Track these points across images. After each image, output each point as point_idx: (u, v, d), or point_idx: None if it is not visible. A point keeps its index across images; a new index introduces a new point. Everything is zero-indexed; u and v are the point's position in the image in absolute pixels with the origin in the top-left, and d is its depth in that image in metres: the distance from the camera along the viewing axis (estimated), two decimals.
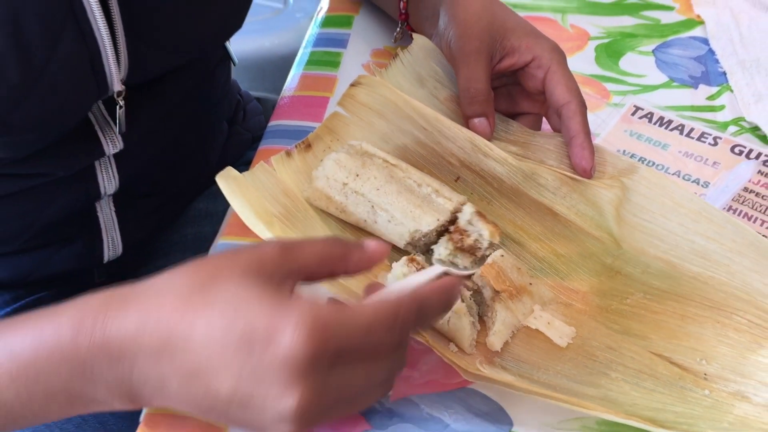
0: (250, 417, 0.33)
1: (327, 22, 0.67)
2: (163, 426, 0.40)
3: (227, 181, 0.46)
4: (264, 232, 0.43)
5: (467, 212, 0.45)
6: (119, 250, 0.61)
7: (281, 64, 1.15)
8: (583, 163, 0.47)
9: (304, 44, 0.66)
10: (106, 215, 0.59)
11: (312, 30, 0.67)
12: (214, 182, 0.48)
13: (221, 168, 0.52)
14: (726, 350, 0.40)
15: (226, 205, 0.48)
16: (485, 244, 0.43)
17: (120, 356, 0.33)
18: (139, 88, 0.50)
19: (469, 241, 0.44)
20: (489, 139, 0.50)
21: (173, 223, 0.67)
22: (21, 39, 0.41)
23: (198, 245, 0.65)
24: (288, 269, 0.34)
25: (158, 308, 0.33)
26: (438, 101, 0.53)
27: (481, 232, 0.44)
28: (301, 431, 0.33)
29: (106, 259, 0.60)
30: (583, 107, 0.49)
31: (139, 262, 0.65)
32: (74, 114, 0.48)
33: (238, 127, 0.73)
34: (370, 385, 0.35)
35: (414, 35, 0.56)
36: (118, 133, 0.51)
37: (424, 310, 0.34)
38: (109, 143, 0.51)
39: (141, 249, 0.64)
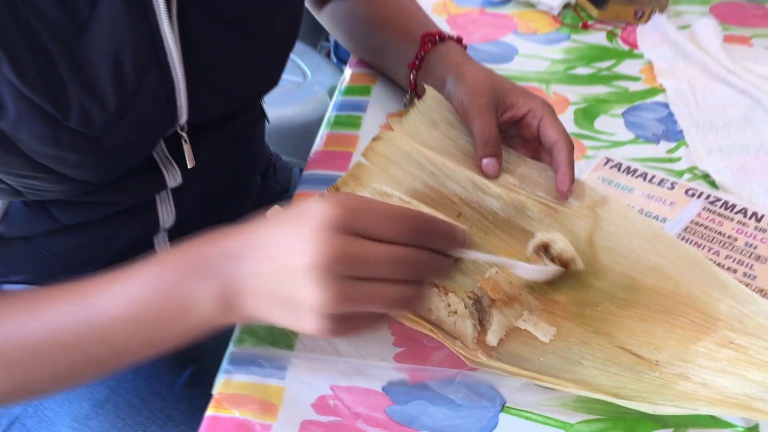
0: (289, 312, 0.42)
1: (349, 91, 0.80)
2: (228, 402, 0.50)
3: (275, 209, 0.57)
4: None
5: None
6: None
7: (301, 130, 1.29)
8: (563, 187, 0.58)
9: (330, 109, 0.78)
10: (162, 249, 0.70)
11: (336, 97, 0.80)
12: None
13: (255, 213, 0.64)
14: (673, 343, 0.51)
15: None
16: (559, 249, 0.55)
17: (234, 255, 0.44)
18: (197, 129, 0.61)
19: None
20: (497, 175, 0.61)
21: None
22: (118, 75, 0.51)
23: None
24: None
25: (257, 224, 0.44)
26: (449, 139, 0.65)
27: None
28: (326, 329, 0.41)
29: None
30: (570, 145, 0.60)
31: None
32: (152, 140, 0.58)
33: (269, 180, 0.85)
34: (392, 277, 0.41)
35: (426, 87, 0.68)
36: (181, 167, 0.61)
37: (434, 229, 0.43)
38: (170, 177, 0.62)
39: None
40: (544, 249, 0.55)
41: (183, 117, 0.57)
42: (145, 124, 0.55)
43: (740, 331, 0.49)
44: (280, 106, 1.27)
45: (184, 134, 0.59)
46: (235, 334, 0.55)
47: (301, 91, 1.32)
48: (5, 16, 0.44)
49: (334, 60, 1.55)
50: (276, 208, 0.57)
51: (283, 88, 1.37)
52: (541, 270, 0.54)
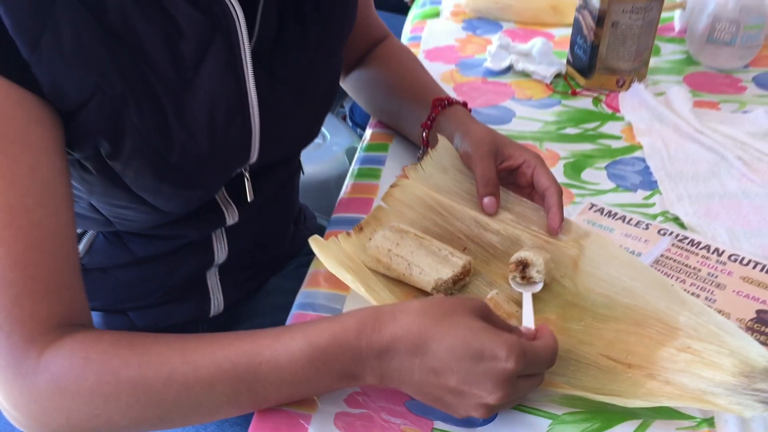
0: (457, 401, 0.54)
1: (369, 147, 0.92)
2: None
3: (317, 242, 0.68)
4: (341, 274, 0.66)
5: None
6: (221, 309, 0.83)
7: (321, 186, 1.42)
8: (554, 225, 0.70)
9: (354, 162, 0.91)
10: (213, 282, 0.82)
11: (359, 153, 0.92)
12: (284, 265, 0.69)
13: (291, 254, 0.75)
14: (642, 349, 0.61)
15: (293, 282, 0.69)
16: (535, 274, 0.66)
17: (385, 353, 0.53)
18: (254, 174, 0.73)
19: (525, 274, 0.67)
20: (496, 212, 0.73)
21: (256, 293, 0.89)
22: (212, 121, 0.63)
23: (273, 312, 0.87)
24: (491, 316, 0.57)
25: (417, 323, 0.53)
26: (456, 182, 0.76)
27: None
28: (484, 416, 0.54)
29: (211, 315, 0.83)
30: (559, 190, 0.72)
31: (232, 321, 0.87)
32: (227, 176, 0.70)
33: (300, 226, 0.97)
34: (528, 390, 0.56)
35: (439, 137, 0.79)
36: (238, 207, 0.73)
37: (556, 354, 0.57)
38: (229, 215, 0.75)
39: (234, 310, 0.87)
40: (523, 266, 0.66)
41: (254, 158, 0.69)
42: (226, 162, 0.67)
43: (695, 338, 0.60)
44: (303, 163, 1.40)
45: (246, 174, 0.71)
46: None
47: (321, 151, 1.45)
48: (133, 74, 0.57)
49: (350, 123, 1.69)
50: (316, 237, 0.69)
51: (306, 148, 1.52)
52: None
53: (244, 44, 0.63)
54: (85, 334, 0.55)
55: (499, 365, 0.52)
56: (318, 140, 1.49)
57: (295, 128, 0.75)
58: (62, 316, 0.55)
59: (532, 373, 0.55)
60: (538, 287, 0.67)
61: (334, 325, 0.55)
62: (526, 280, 0.67)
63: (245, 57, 0.63)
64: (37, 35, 0.52)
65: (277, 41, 0.68)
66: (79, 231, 0.73)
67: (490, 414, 0.55)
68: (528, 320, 0.63)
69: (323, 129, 1.51)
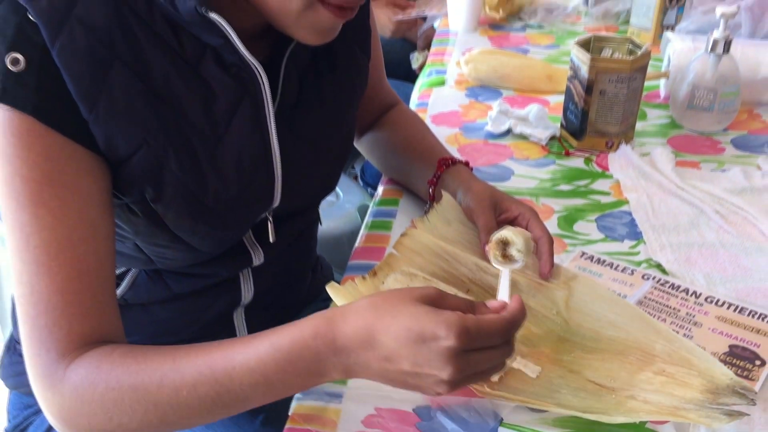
0: (418, 382, 0.59)
1: (382, 202, 1.02)
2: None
3: (333, 288, 0.77)
4: None
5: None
6: None
7: (334, 241, 1.51)
8: (545, 270, 0.79)
9: (368, 215, 1.00)
10: (239, 321, 0.90)
11: (372, 207, 1.02)
12: (302, 310, 0.78)
13: (309, 299, 0.84)
14: (624, 374, 0.69)
15: None
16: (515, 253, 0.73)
17: (341, 350, 0.59)
18: (277, 221, 0.82)
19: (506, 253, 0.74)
20: None
21: None
22: (240, 169, 0.73)
23: None
24: (442, 300, 0.61)
25: (363, 319, 0.59)
26: (459, 233, 0.85)
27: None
28: (448, 392, 0.59)
29: None
30: (550, 240, 0.80)
31: None
32: (253, 219, 0.79)
33: (317, 274, 1.07)
34: (491, 364, 0.60)
35: (443, 193, 0.89)
36: (263, 249, 0.83)
37: (518, 324, 0.62)
38: (255, 256, 0.84)
39: None
40: (504, 244, 0.74)
41: (276, 203, 0.79)
42: (252, 205, 0.77)
43: (669, 363, 0.68)
44: None
45: (270, 217, 0.81)
46: None
47: (335, 209, 1.55)
48: (173, 130, 0.68)
49: (361, 183, 1.80)
50: (333, 283, 0.78)
51: (320, 207, 1.63)
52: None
53: (268, 104, 0.73)
54: (102, 348, 0.64)
55: (441, 344, 0.57)
56: (332, 198, 1.59)
57: (313, 178, 0.84)
58: (93, 335, 0.65)
59: (483, 346, 0.59)
60: (518, 265, 0.73)
61: (294, 329, 0.61)
62: (507, 258, 0.74)
63: (269, 115, 0.74)
64: (95, 99, 0.63)
65: (297, 102, 0.78)
66: (123, 269, 0.83)
67: (455, 389, 0.59)
68: (503, 295, 0.69)
69: (337, 188, 1.62)
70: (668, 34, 1.35)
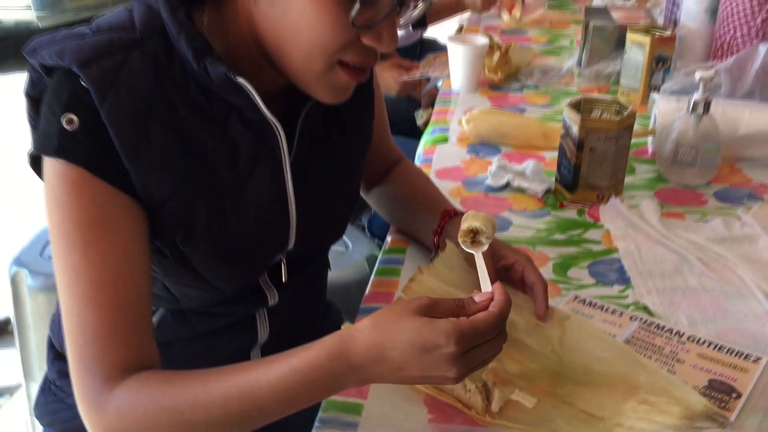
0: (429, 381, 0.68)
1: (390, 251, 1.11)
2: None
3: (347, 327, 0.85)
4: None
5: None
6: None
7: (343, 290, 1.59)
8: (541, 312, 0.87)
9: (377, 263, 1.09)
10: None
11: (381, 256, 1.10)
12: None
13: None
14: (612, 404, 0.77)
15: None
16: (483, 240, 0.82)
17: (356, 368, 0.67)
18: (290, 264, 0.91)
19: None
20: None
21: None
22: (260, 214, 0.82)
23: None
24: (435, 308, 0.68)
25: (370, 338, 0.66)
26: (462, 278, 0.93)
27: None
28: (457, 383, 0.68)
29: None
30: (545, 284, 0.88)
31: None
32: (270, 259, 0.88)
33: (328, 317, 1.15)
34: (490, 354, 0.69)
35: (447, 242, 0.97)
36: (278, 290, 0.91)
37: (506, 314, 0.70)
38: (270, 297, 0.92)
39: None
40: (473, 234, 0.81)
41: (291, 245, 0.88)
42: (269, 247, 0.86)
43: (651, 393, 0.76)
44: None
45: (283, 259, 0.90)
46: (323, 404, 0.82)
47: (344, 259, 1.64)
48: (201, 179, 0.77)
49: (369, 234, 1.89)
50: (347, 324, 0.86)
51: (330, 255, 1.71)
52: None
53: (285, 157, 0.83)
54: (142, 374, 0.72)
55: (444, 351, 0.65)
56: (341, 248, 1.67)
57: (323, 224, 0.94)
58: (133, 362, 0.73)
59: (480, 342, 0.67)
60: (485, 248, 0.81)
61: (310, 353, 0.68)
62: (475, 244, 0.82)
63: (286, 166, 0.84)
64: (136, 152, 0.73)
65: (310, 155, 0.88)
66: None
67: (464, 378, 0.68)
68: (485, 281, 0.76)
69: (345, 238, 1.70)
70: (654, 94, 1.45)
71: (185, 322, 0.92)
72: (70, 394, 0.76)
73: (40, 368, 1.70)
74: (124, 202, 0.74)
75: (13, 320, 1.69)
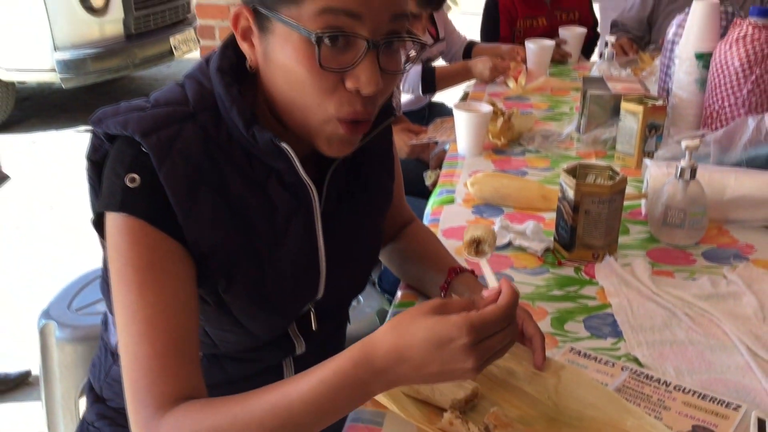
0: (450, 376, 0.73)
1: (400, 304, 1.19)
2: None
3: None
4: (381, 399, 0.91)
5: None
6: None
7: (355, 342, 1.67)
8: (538, 362, 0.95)
9: (389, 315, 1.18)
10: None
11: (392, 309, 1.19)
12: None
13: None
14: None
15: None
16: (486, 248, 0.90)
17: (380, 371, 0.73)
18: (319, 313, 1.01)
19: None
20: None
21: None
22: (294, 267, 0.92)
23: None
24: (447, 306, 0.75)
25: (388, 343, 0.73)
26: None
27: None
28: (476, 374, 0.74)
29: None
30: (542, 337, 0.96)
31: None
32: (300, 308, 0.98)
33: None
34: (503, 344, 0.75)
35: (453, 296, 1.06)
36: (305, 340, 1.01)
37: (514, 305, 0.77)
38: (298, 345, 1.01)
39: None
40: (476, 244, 0.89)
41: (320, 295, 0.98)
42: (301, 296, 0.96)
43: None
44: None
45: (312, 309, 0.99)
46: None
47: (356, 312, 1.72)
48: (243, 234, 0.88)
49: (379, 289, 1.98)
50: None
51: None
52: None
53: (316, 212, 0.94)
54: (188, 402, 0.80)
55: (458, 343, 0.72)
56: (353, 303, 1.77)
57: (350, 274, 1.04)
58: (181, 393, 0.81)
59: (492, 332, 0.74)
60: (488, 256, 0.89)
61: (336, 364, 0.75)
62: (479, 253, 0.89)
63: (317, 221, 0.94)
64: (188, 209, 0.84)
65: (338, 210, 0.98)
66: None
67: (482, 369, 0.74)
68: (491, 281, 0.84)
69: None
70: (646, 160, 1.55)
71: (218, 367, 1.01)
72: None
73: (64, 418, 1.78)
74: (176, 251, 0.84)
75: (39, 372, 1.77)
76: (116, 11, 4.56)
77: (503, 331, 0.76)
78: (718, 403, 0.96)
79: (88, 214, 0.90)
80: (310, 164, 0.95)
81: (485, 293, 0.81)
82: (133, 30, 4.67)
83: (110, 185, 0.84)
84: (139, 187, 0.82)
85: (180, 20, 5.07)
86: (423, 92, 2.43)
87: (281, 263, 0.92)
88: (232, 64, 0.89)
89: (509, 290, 0.78)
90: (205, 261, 0.86)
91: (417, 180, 2.11)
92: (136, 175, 0.82)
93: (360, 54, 0.81)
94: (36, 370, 2.37)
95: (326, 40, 0.79)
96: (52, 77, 4.46)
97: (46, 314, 1.73)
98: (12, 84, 4.81)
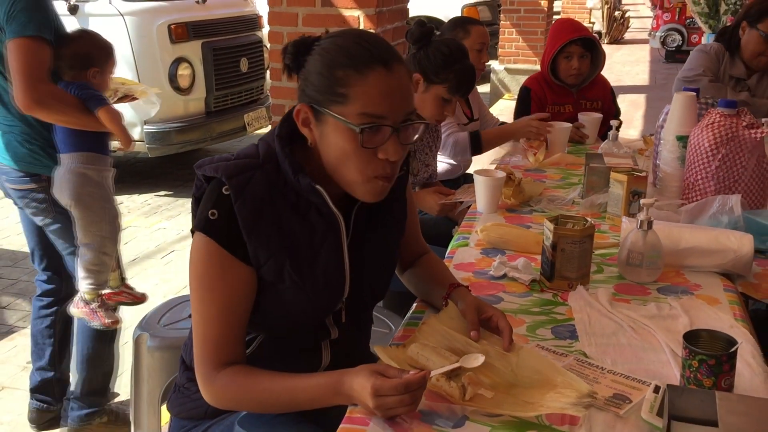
0: (366, 406, 1.18)
1: (415, 312, 1.59)
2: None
3: (379, 349, 1.33)
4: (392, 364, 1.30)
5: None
6: None
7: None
8: (506, 346, 1.34)
9: (405, 318, 1.57)
10: None
11: (409, 314, 1.59)
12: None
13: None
14: (538, 395, 1.22)
15: None
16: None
17: (346, 394, 1.20)
18: (348, 309, 1.41)
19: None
20: (477, 339, 1.36)
21: None
22: (326, 274, 1.33)
23: None
24: (384, 370, 1.20)
25: (351, 380, 1.19)
26: (457, 324, 1.41)
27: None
28: (385, 416, 1.19)
29: None
30: (510, 329, 1.35)
31: None
32: (332, 305, 1.38)
33: (369, 353, 1.62)
34: (400, 406, 1.16)
35: (449, 302, 1.46)
36: (338, 328, 1.41)
37: (412, 386, 1.16)
38: (332, 332, 1.41)
39: None
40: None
41: (345, 295, 1.38)
42: (332, 295, 1.36)
43: (561, 387, 1.21)
44: None
45: (343, 306, 1.40)
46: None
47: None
48: (288, 251, 1.30)
49: None
50: (378, 346, 1.34)
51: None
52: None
53: (343, 236, 1.35)
54: (235, 366, 1.28)
55: (366, 394, 1.16)
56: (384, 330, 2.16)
57: (369, 282, 1.44)
58: (228, 359, 1.28)
59: (389, 394, 1.14)
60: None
61: (328, 379, 1.24)
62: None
63: (344, 242, 1.35)
64: (252, 235, 1.27)
65: (362, 237, 1.39)
66: (253, 335, 1.41)
67: (386, 416, 1.19)
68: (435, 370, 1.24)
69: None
70: (624, 218, 1.93)
71: (276, 345, 1.42)
72: (194, 392, 1.32)
73: (148, 413, 2.18)
74: (237, 267, 1.28)
75: (131, 374, 2.20)
76: (199, 91, 5.18)
77: (397, 397, 1.15)
78: (636, 381, 1.31)
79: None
80: (342, 203, 1.36)
81: (412, 372, 1.18)
82: (212, 107, 5.27)
83: (200, 214, 1.29)
84: (217, 219, 1.26)
85: (254, 100, 5.68)
86: (472, 154, 2.87)
87: (317, 272, 1.32)
88: (289, 132, 1.33)
89: (418, 377, 1.16)
90: (263, 268, 1.29)
91: (446, 234, 2.50)
92: (216, 210, 1.27)
93: (387, 136, 1.25)
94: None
95: (366, 130, 1.23)
96: (140, 147, 5.04)
97: (141, 326, 2.17)
98: None
